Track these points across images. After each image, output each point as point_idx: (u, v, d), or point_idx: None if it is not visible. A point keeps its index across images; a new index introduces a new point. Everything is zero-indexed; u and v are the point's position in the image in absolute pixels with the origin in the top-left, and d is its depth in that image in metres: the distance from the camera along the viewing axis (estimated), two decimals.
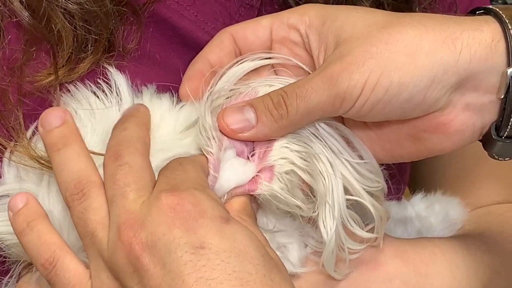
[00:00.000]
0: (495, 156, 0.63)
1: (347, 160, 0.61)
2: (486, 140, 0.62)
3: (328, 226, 0.60)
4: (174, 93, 0.66)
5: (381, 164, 0.64)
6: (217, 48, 0.66)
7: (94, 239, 0.57)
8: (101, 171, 0.59)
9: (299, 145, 0.60)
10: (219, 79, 0.63)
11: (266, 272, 0.54)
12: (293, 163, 0.60)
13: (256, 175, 0.61)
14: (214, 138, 0.60)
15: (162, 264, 0.53)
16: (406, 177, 0.86)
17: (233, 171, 0.60)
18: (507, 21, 0.58)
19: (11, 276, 0.65)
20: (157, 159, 0.61)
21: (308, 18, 0.63)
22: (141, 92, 0.66)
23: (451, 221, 0.78)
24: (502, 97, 0.59)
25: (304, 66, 0.65)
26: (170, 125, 0.63)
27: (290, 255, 0.64)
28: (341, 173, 0.61)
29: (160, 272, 0.53)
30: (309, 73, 0.64)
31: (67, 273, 0.58)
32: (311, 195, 0.61)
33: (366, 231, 0.63)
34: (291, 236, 0.64)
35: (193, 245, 0.53)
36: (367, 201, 0.62)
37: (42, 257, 0.59)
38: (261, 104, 0.60)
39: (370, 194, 0.62)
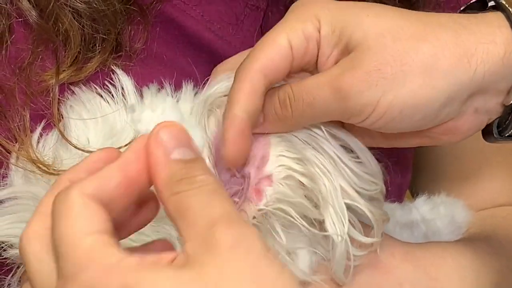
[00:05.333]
0: (493, 142, 0.63)
1: (344, 163, 0.60)
2: (487, 133, 0.62)
3: (338, 228, 0.59)
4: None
5: (380, 162, 0.63)
6: (252, 95, 0.58)
7: None
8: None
9: (295, 152, 0.60)
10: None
11: None
12: (290, 168, 0.59)
13: (258, 184, 0.60)
14: None
15: None
16: (407, 179, 0.86)
17: None
18: None
19: (13, 276, 0.64)
20: None
21: (318, 23, 0.60)
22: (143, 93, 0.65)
23: (457, 224, 0.78)
24: (509, 104, 0.59)
25: None
26: None
27: (300, 261, 0.63)
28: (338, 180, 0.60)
29: None
30: None
31: None
32: (313, 199, 0.60)
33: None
34: (301, 241, 0.63)
35: None
36: (363, 206, 0.60)
37: None
38: (268, 101, 0.59)
39: (369, 197, 0.61)
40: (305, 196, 0.60)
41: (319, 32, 0.59)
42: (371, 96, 0.56)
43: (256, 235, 0.45)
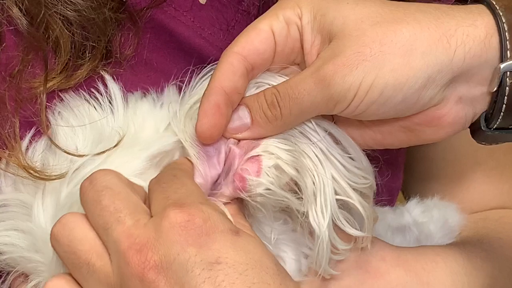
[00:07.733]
0: (483, 143, 0.63)
1: (335, 158, 0.61)
2: (475, 129, 0.62)
3: (321, 223, 0.59)
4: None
5: (372, 164, 0.63)
6: (229, 72, 0.59)
7: (93, 268, 0.55)
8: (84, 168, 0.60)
9: (287, 144, 0.60)
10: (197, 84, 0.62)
11: (282, 280, 0.54)
12: (279, 158, 0.60)
13: (242, 170, 0.60)
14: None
15: (181, 285, 0.52)
16: (399, 183, 0.86)
17: None
18: (500, 14, 0.57)
19: (3, 282, 0.64)
20: (140, 159, 0.61)
21: (300, 10, 0.61)
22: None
23: (450, 228, 0.78)
24: (494, 90, 0.58)
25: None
26: (152, 125, 0.63)
27: (287, 266, 0.63)
28: (330, 172, 0.60)
29: None
30: None
31: None
32: (298, 191, 0.60)
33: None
34: (288, 246, 0.64)
35: (209, 261, 0.52)
36: (355, 200, 0.61)
37: None
38: (256, 103, 0.59)
39: (359, 192, 0.62)
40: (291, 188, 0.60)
41: (300, 18, 0.60)
42: (353, 79, 0.57)
43: None
